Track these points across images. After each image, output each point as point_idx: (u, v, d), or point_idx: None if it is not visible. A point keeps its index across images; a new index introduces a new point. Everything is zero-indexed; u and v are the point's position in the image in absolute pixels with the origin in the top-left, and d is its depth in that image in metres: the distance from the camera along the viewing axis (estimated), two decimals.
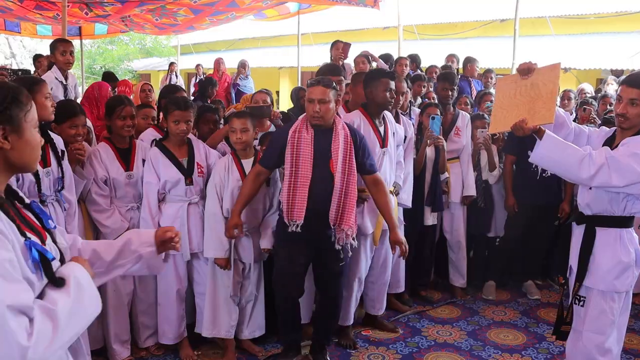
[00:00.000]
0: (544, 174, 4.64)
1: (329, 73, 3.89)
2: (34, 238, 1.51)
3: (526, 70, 2.93)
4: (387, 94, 3.70)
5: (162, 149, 3.62)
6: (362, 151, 3.42)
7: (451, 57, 7.69)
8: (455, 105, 5.09)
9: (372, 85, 3.76)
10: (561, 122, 2.94)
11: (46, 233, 1.62)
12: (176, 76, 13.48)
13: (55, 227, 1.65)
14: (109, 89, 5.21)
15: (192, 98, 7.94)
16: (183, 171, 3.61)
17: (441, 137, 4.42)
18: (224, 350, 3.78)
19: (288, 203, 3.31)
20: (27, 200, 1.65)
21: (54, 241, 1.64)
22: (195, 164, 3.66)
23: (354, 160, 3.37)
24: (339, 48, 6.54)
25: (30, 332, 1.35)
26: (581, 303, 2.91)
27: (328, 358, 3.71)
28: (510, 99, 2.98)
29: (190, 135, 3.72)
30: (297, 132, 3.35)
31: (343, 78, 3.92)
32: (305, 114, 3.47)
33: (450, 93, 4.75)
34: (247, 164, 3.61)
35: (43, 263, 1.49)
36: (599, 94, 6.37)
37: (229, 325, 3.70)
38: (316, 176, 3.31)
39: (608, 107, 5.51)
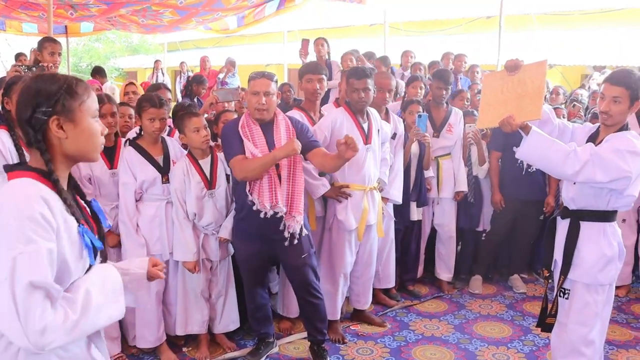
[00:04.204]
0: (529, 169, 4.70)
1: (310, 71, 3.90)
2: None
3: (513, 66, 2.94)
4: (355, 94, 3.70)
5: (136, 147, 3.57)
6: (304, 135, 3.38)
7: (448, 55, 7.68)
8: (454, 99, 5.15)
9: (346, 85, 3.82)
10: (546, 119, 2.97)
11: (97, 229, 1.69)
12: (162, 74, 13.40)
13: (109, 226, 1.69)
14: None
15: (181, 96, 7.74)
16: (159, 169, 3.57)
17: (427, 134, 4.46)
18: (197, 344, 3.80)
19: (268, 188, 3.25)
20: (89, 198, 1.72)
21: (102, 238, 1.72)
22: (171, 162, 3.62)
23: None
24: (319, 44, 6.66)
25: (46, 315, 1.38)
26: (566, 296, 2.95)
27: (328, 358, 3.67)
28: (497, 95, 2.99)
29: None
30: (246, 127, 3.32)
31: (325, 76, 3.94)
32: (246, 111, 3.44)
33: (444, 92, 4.73)
34: (205, 163, 3.56)
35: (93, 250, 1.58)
36: (589, 90, 6.47)
37: (201, 321, 3.71)
38: None
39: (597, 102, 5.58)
